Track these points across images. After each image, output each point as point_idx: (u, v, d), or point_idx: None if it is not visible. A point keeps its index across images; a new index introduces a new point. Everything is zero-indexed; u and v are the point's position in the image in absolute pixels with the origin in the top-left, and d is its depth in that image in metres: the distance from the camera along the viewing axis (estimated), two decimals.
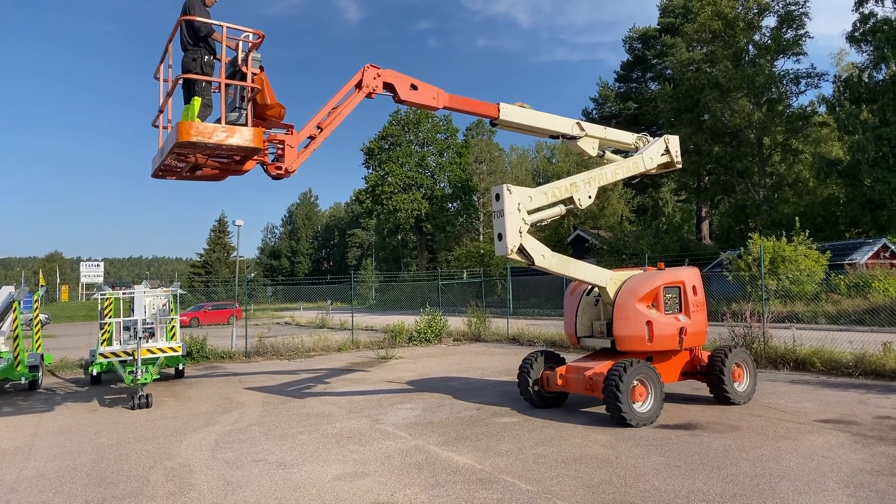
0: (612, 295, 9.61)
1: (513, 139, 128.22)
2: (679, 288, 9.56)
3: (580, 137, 10.70)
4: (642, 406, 8.67)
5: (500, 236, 8.96)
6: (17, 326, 12.02)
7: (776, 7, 43.26)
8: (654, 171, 11.40)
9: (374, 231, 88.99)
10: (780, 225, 34.99)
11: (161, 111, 8.50)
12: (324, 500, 6.08)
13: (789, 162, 44.98)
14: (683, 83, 45.30)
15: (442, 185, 68.49)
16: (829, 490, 5.88)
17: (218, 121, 7.53)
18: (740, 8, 43.83)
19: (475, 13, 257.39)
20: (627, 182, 55.92)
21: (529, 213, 9.24)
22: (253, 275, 73.66)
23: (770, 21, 43.99)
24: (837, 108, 38.19)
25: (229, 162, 8.42)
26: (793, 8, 42.68)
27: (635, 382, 8.64)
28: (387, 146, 68.02)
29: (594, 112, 60.78)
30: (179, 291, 14.66)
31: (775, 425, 8.49)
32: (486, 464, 7.11)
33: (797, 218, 31.94)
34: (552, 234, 53.24)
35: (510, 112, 9.99)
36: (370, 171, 68.70)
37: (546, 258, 9.31)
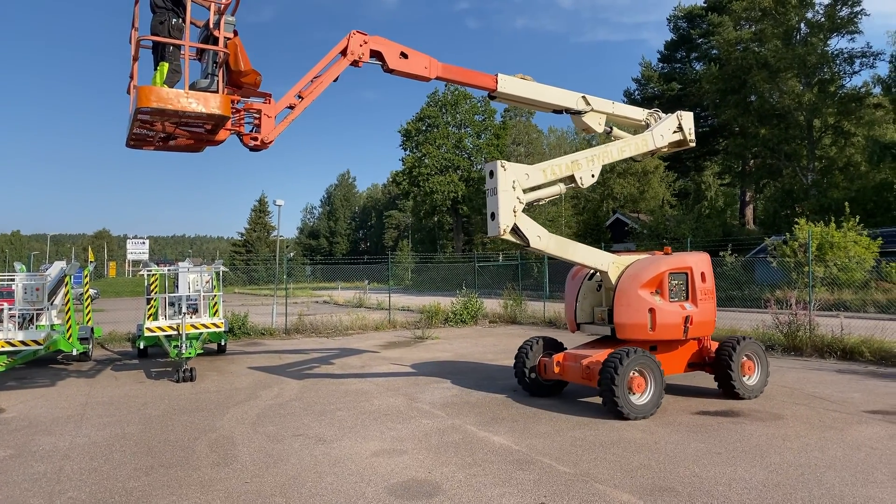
0: (613, 280, 9.19)
1: (551, 121, 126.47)
2: (686, 274, 9.09)
3: (586, 112, 10.03)
4: (640, 398, 8.23)
5: (493, 215, 8.56)
6: (68, 300, 12.45)
7: None
8: (665, 149, 10.78)
9: (410, 213, 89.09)
10: (829, 210, 33.81)
11: (131, 77, 8.00)
12: (362, 475, 6.18)
13: (840, 145, 43.34)
14: (730, 63, 43.90)
15: (479, 167, 68.09)
16: (878, 482, 5.72)
17: (192, 87, 7.22)
18: None
19: None
20: (669, 165, 54.11)
21: (525, 191, 8.83)
22: (292, 254, 74.78)
23: None
24: (893, 89, 36.52)
25: (201, 131, 8.00)
26: None
27: (633, 373, 8.22)
28: (424, 128, 67.80)
29: (636, 93, 59.26)
30: (222, 269, 14.98)
31: (821, 415, 8.28)
32: (523, 445, 7.12)
33: (847, 203, 30.85)
34: (590, 218, 52.54)
35: (509, 84, 9.43)
36: (407, 152, 68.69)
37: (543, 239, 8.87)
